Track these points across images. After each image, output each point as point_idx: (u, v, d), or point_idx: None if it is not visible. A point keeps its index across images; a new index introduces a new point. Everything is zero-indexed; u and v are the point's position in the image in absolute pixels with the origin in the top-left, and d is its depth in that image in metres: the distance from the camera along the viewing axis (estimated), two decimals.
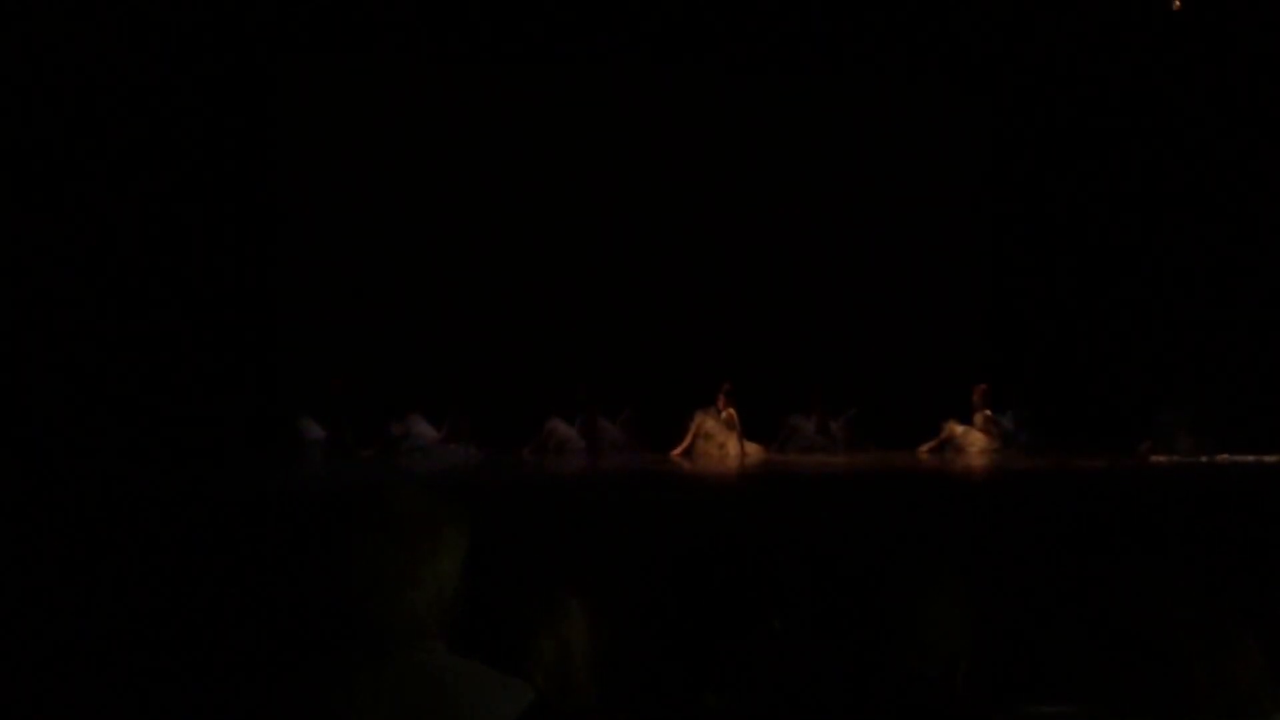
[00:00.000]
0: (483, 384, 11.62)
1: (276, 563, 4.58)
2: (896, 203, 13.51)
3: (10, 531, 4.77)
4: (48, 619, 4.17)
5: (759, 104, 13.49)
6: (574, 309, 12.79)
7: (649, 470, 9.17)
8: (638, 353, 12.61)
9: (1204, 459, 9.08)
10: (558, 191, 12.89)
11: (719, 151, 13.34)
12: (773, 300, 13.20)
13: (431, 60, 12.73)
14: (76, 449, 9.09)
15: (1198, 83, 11.71)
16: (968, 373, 12.23)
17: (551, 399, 11.24)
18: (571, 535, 4.60)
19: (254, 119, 11.94)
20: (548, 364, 12.37)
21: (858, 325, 13.22)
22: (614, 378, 12.05)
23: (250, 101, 11.86)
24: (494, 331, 12.51)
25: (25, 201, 10.22)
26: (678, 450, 10.64)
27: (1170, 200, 12.13)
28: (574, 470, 9.06)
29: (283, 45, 11.91)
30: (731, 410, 10.57)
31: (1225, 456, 9.32)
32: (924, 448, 11.04)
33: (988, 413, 11.01)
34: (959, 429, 11.04)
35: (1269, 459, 8.84)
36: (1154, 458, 9.49)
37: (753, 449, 10.81)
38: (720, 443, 10.68)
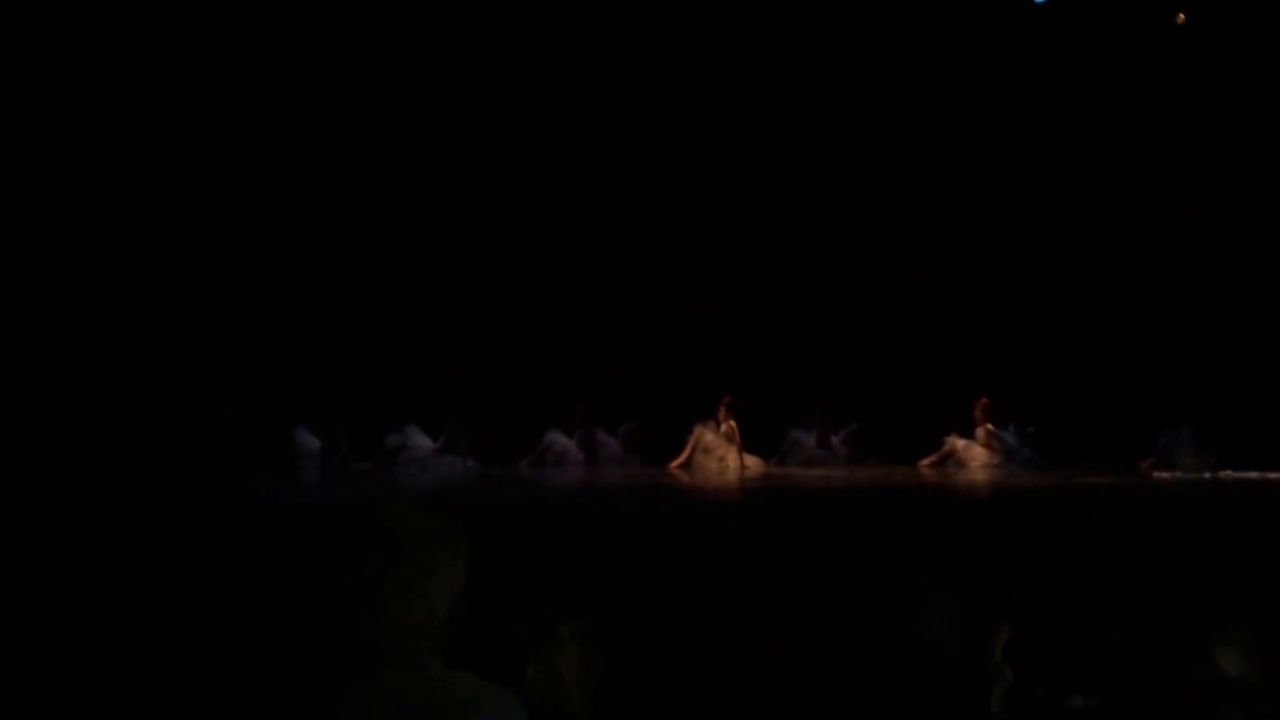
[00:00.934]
0: (481, 395, 11.57)
1: (271, 575, 4.53)
2: (900, 217, 13.47)
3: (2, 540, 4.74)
4: (40, 629, 4.14)
5: (761, 113, 13.46)
6: (574, 320, 12.75)
7: (645, 484, 9.12)
8: (638, 365, 12.55)
9: (1207, 476, 9.04)
10: (559, 202, 12.85)
11: (722, 163, 13.30)
12: (774, 313, 13.15)
13: (431, 71, 12.71)
14: (70, 456, 9.05)
15: (1203, 92, 11.71)
16: (970, 387, 12.17)
17: (550, 411, 11.19)
18: (565, 553, 4.55)
19: (253, 129, 11.92)
20: (547, 376, 12.32)
21: (860, 339, 13.17)
22: (613, 390, 12.00)
23: (249, 112, 11.85)
24: (493, 342, 12.47)
25: (24, 205, 10.20)
26: (677, 463, 10.59)
27: (1174, 219, 12.09)
28: (570, 484, 9.02)
29: (285, 52, 11.90)
30: (732, 423, 10.52)
31: (1228, 473, 9.27)
32: (925, 462, 10.99)
33: (989, 427, 10.95)
34: (960, 443, 10.98)
35: (1272, 476, 8.79)
36: (1156, 474, 9.44)
37: (753, 462, 10.75)
38: (720, 456, 10.63)
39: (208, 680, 3.88)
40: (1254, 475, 8.97)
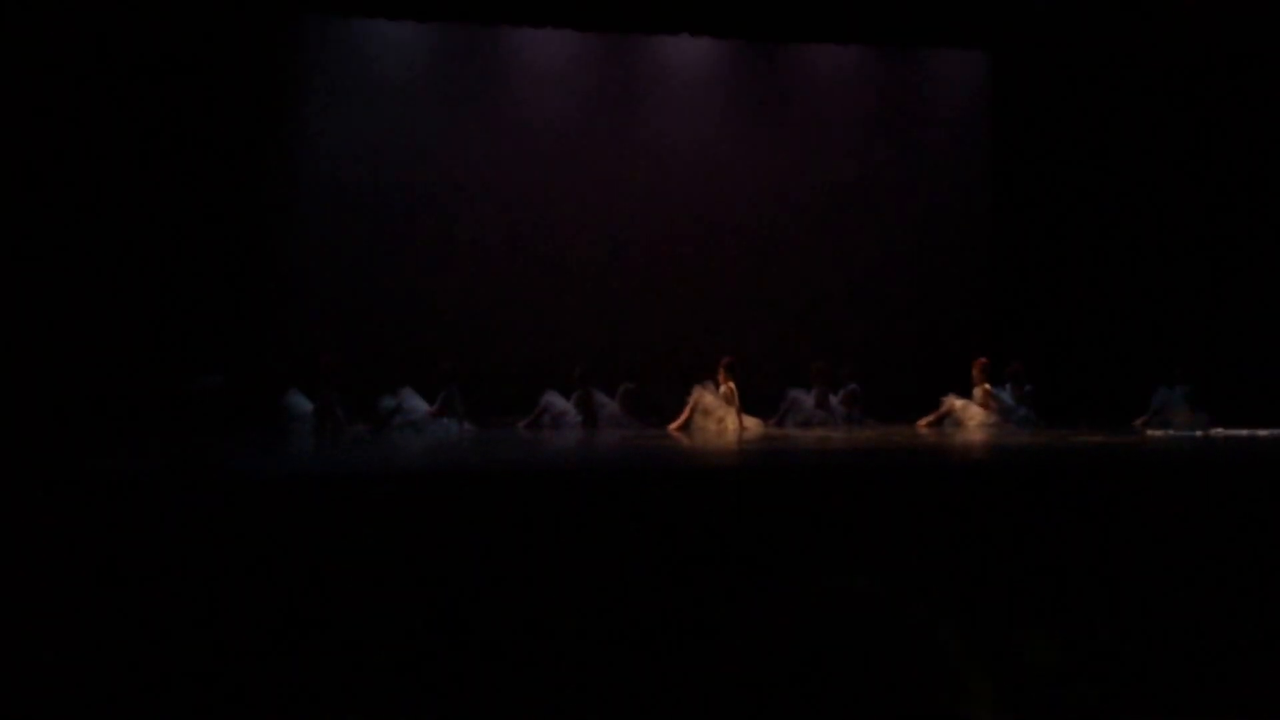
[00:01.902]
0: (477, 358, 11.62)
1: (270, 544, 4.56)
2: (899, 178, 13.49)
3: None
4: (35, 606, 4.16)
5: (764, 71, 13.46)
6: (572, 283, 12.79)
7: (643, 446, 9.16)
8: (636, 326, 12.59)
9: (1199, 434, 9.06)
10: (556, 160, 12.86)
11: (721, 121, 13.31)
12: (773, 274, 13.18)
13: (429, 25, 12.70)
14: (59, 424, 9.06)
15: (1204, 53, 11.64)
16: (967, 347, 12.21)
17: (547, 373, 11.24)
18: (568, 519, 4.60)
19: (247, 88, 11.91)
20: (544, 338, 12.37)
21: (858, 300, 13.20)
22: (612, 351, 12.04)
23: (243, 73, 11.82)
24: (490, 304, 12.51)
25: (9, 170, 10.16)
26: (675, 425, 10.62)
27: (1171, 177, 12.07)
28: (568, 446, 9.06)
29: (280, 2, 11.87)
30: (731, 384, 10.53)
31: (1220, 431, 9.30)
32: (923, 421, 11.07)
33: (987, 387, 10.99)
34: (958, 403, 11.03)
35: (1263, 434, 8.81)
36: (1150, 432, 9.48)
37: (751, 423, 10.79)
38: (719, 417, 10.64)
39: (209, 650, 3.92)
40: (1245, 433, 9.00)
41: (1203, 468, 6.21)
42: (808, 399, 11.41)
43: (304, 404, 10.13)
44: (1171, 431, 9.41)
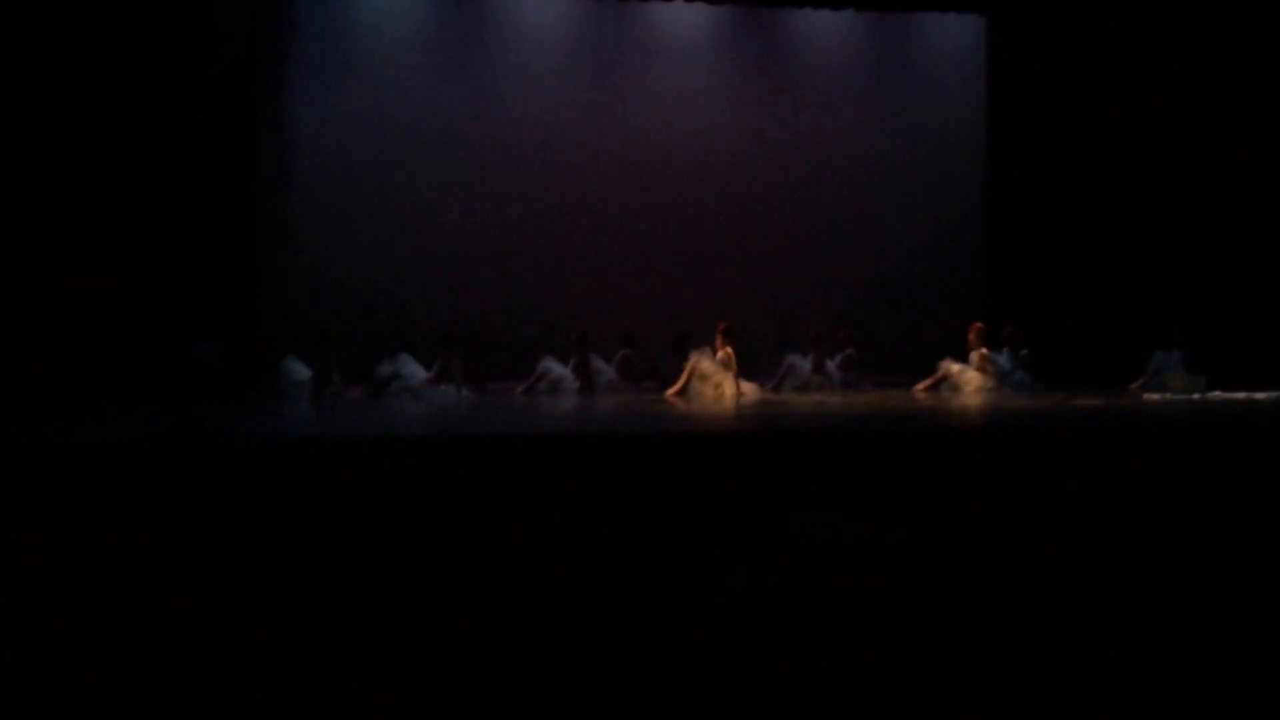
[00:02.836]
0: (474, 323, 11.61)
1: (268, 511, 4.57)
2: (896, 143, 13.46)
3: None
4: (32, 578, 4.16)
5: (761, 34, 13.41)
6: (568, 248, 12.77)
7: (641, 411, 9.17)
8: (634, 292, 12.59)
9: (1196, 397, 9.08)
10: (549, 127, 12.81)
11: (719, 85, 13.25)
12: (771, 239, 13.17)
13: None
14: (54, 390, 9.04)
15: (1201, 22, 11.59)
16: (964, 312, 12.21)
17: (545, 339, 11.24)
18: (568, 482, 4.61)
19: (241, 51, 11.82)
20: (541, 304, 12.36)
21: (855, 265, 13.20)
22: (609, 318, 12.04)
23: (234, 41, 11.74)
24: (487, 270, 12.50)
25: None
26: (673, 390, 10.62)
27: (1169, 141, 12.03)
28: (565, 412, 9.07)
29: None
30: (729, 350, 10.52)
31: (1217, 395, 9.31)
32: (920, 386, 11.08)
33: (984, 351, 11.00)
34: (955, 368, 11.04)
35: (1260, 397, 8.83)
36: (1147, 396, 9.49)
37: (749, 388, 10.79)
38: (716, 383, 10.64)
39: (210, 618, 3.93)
40: (1242, 396, 9.02)
41: (1199, 431, 6.23)
42: (805, 364, 11.41)
43: (302, 370, 10.12)
44: (1168, 395, 9.42)
